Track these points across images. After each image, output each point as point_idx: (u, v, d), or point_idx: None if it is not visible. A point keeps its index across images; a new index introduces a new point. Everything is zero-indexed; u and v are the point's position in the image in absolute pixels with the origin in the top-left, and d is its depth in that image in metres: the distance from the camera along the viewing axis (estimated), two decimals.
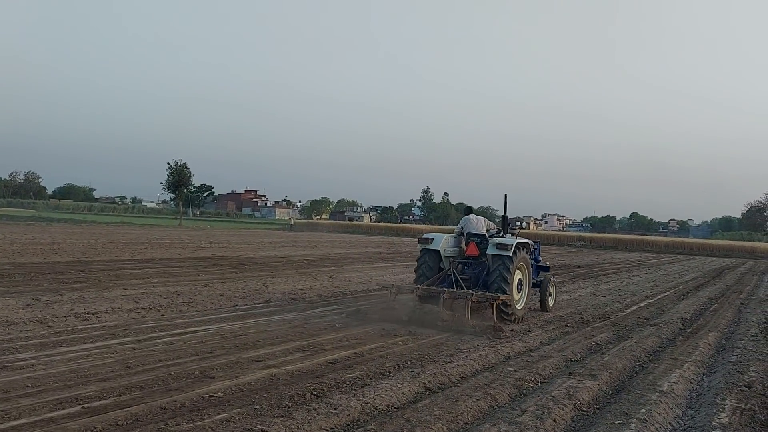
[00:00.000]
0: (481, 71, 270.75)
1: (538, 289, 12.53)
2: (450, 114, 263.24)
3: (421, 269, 11.54)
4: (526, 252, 11.63)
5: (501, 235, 11.75)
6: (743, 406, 6.28)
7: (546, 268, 13.19)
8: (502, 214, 12.62)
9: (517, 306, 10.94)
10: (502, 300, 10.26)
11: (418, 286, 11.04)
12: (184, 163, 68.17)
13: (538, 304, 12.61)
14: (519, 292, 11.20)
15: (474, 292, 10.24)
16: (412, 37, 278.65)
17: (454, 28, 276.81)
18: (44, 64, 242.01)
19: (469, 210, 12.62)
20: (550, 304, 12.67)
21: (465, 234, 11.78)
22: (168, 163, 67.66)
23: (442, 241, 11.58)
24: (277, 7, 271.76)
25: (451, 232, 12.10)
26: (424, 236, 11.87)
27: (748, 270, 33.44)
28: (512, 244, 10.79)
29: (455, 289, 10.54)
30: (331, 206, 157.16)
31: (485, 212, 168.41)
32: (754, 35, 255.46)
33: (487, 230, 11.87)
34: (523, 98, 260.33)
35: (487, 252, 11.00)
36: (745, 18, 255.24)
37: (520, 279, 11.23)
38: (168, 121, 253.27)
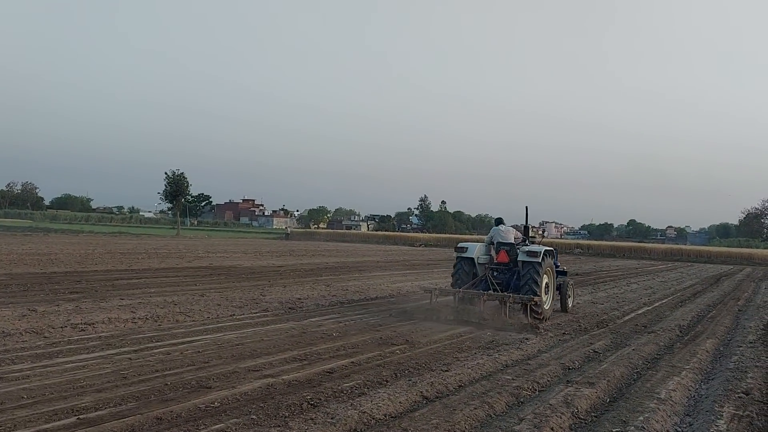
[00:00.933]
0: (478, 80, 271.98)
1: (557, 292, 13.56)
2: (447, 123, 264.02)
3: (458, 274, 12.80)
4: (551, 258, 12.76)
5: (525, 243, 12.87)
6: (741, 413, 6.27)
7: (564, 273, 14.21)
8: (524, 224, 13.81)
9: (545, 306, 12.10)
10: (534, 301, 11.48)
11: (460, 289, 12.31)
12: (182, 173, 68.41)
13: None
14: (546, 294, 12.34)
15: (511, 295, 11.67)
16: (407, 47, 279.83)
17: (449, 38, 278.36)
18: (41, 74, 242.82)
19: (498, 221, 13.66)
20: (570, 305, 13.88)
21: (495, 243, 12.93)
22: (165, 173, 67.97)
23: (476, 249, 12.85)
24: (273, 19, 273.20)
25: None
26: (459, 245, 13.25)
27: (745, 277, 33.46)
28: (541, 252, 12.02)
29: (494, 292, 11.90)
30: (328, 215, 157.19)
31: (482, 220, 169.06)
32: (750, 43, 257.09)
33: (515, 239, 13.03)
34: (520, 107, 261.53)
35: (519, 259, 12.18)
36: (741, 26, 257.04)
37: (546, 282, 12.35)
38: (165, 130, 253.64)
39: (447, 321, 11.39)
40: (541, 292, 11.89)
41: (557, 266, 13.72)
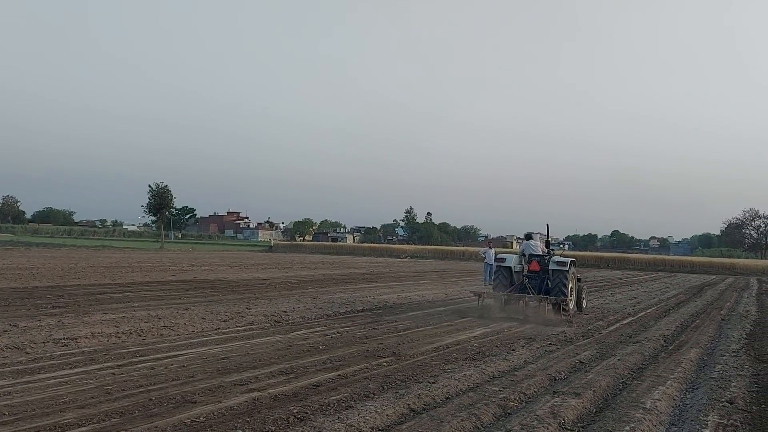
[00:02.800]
0: (460, 93, 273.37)
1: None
2: (432, 135, 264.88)
3: (498, 280, 15.45)
4: (574, 267, 15.27)
5: (550, 255, 15.39)
6: (726, 422, 6.32)
7: (579, 279, 16.21)
8: (546, 239, 16.47)
9: (570, 306, 14.72)
10: (565, 302, 14.31)
11: (503, 292, 15.01)
12: (166, 186, 67.96)
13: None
14: (571, 296, 14.90)
15: (547, 297, 14.38)
16: (392, 60, 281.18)
17: (431, 51, 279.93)
18: (20, 86, 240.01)
19: (528, 236, 16.22)
20: (584, 305, 16.35)
21: (526, 255, 15.43)
22: (149, 186, 67.45)
23: (513, 260, 15.41)
24: (254, 31, 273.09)
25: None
26: (498, 257, 16.16)
27: (728, 286, 33.80)
28: (568, 262, 14.82)
29: (533, 295, 14.57)
30: (314, 227, 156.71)
31: (468, 232, 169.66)
32: (728, 58, 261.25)
33: (542, 251, 15.48)
34: (503, 119, 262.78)
35: (549, 267, 14.79)
36: (719, 39, 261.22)
37: (571, 287, 14.91)
38: (149, 143, 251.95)
39: (497, 319, 13.93)
40: (568, 294, 14.59)
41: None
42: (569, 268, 14.63)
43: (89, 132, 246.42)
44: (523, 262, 15.33)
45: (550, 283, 14.68)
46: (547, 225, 17.26)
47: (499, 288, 15.19)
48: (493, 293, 15.25)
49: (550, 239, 16.55)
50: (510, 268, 15.24)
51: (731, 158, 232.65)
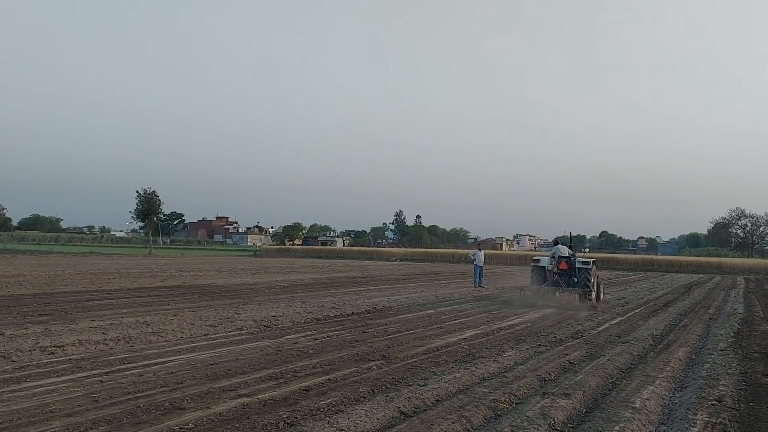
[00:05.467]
0: (448, 92, 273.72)
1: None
2: (419, 136, 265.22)
3: (534, 276, 19.46)
4: (595, 266, 19.19)
5: (575, 256, 19.26)
6: (714, 420, 6.35)
7: (597, 276, 19.74)
8: (569, 244, 20.41)
9: (593, 295, 18.51)
10: (589, 292, 18.20)
11: (540, 286, 18.78)
12: (154, 191, 67.67)
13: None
14: (593, 288, 18.58)
15: (576, 289, 18.20)
16: (379, 59, 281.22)
17: (419, 50, 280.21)
18: (4, 92, 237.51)
19: (556, 241, 20.19)
20: (601, 297, 19.80)
21: (556, 257, 19.05)
22: (137, 192, 67.10)
23: (546, 261, 19.35)
24: (240, 30, 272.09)
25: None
26: (534, 258, 20.72)
27: (715, 285, 34.08)
28: (591, 261, 19.16)
29: (565, 287, 18.38)
30: (303, 231, 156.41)
31: (458, 234, 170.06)
32: (712, 53, 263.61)
33: (569, 253, 19.14)
34: (489, 119, 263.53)
35: (576, 266, 18.74)
36: (701, 36, 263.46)
37: (593, 281, 18.65)
38: (136, 148, 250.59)
39: (538, 307, 17.03)
40: (592, 287, 18.39)
41: None
42: (591, 266, 18.65)
43: (76, 137, 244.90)
44: (553, 263, 18.83)
45: (576, 278, 18.51)
46: (570, 233, 21.66)
47: (536, 283, 19.10)
48: (531, 287, 19.03)
49: (573, 245, 20.75)
50: (544, 267, 19.15)
51: (717, 156, 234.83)
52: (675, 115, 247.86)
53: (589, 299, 18.08)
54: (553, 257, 19.09)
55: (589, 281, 18.32)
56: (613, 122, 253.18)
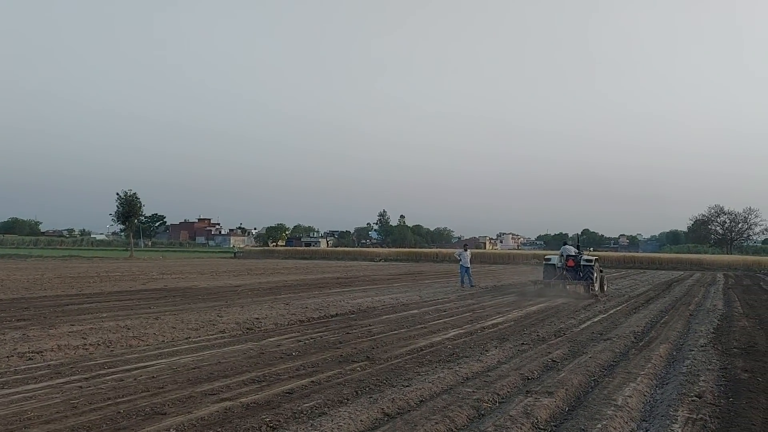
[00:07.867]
0: (431, 92, 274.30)
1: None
2: (402, 136, 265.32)
3: (546, 272, 22.70)
4: (598, 263, 22.70)
5: (581, 254, 22.51)
6: (695, 416, 6.41)
7: (601, 271, 23.24)
8: (576, 244, 24.64)
9: (596, 287, 21.54)
10: (593, 285, 21.36)
11: (551, 280, 22.03)
12: (134, 193, 66.89)
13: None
14: (597, 282, 21.77)
15: (581, 282, 21.46)
16: (364, 57, 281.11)
17: (403, 48, 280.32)
18: None
19: (564, 242, 24.54)
20: (605, 290, 22.88)
21: (564, 255, 22.25)
22: (117, 194, 66.30)
23: (556, 259, 22.57)
24: (221, 29, 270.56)
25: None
26: (546, 257, 24.46)
27: (695, 282, 34.49)
28: (594, 259, 22.72)
29: (572, 281, 21.66)
30: (287, 232, 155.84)
31: (441, 233, 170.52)
32: (691, 51, 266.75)
33: (575, 252, 22.37)
34: (472, 119, 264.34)
35: (581, 263, 21.83)
36: (682, 34, 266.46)
37: (596, 275, 21.78)
38: (117, 149, 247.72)
39: (550, 297, 20.28)
40: (594, 280, 21.51)
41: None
42: (594, 263, 21.97)
43: (54, 139, 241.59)
44: (562, 260, 22.11)
45: (581, 273, 21.60)
46: (578, 234, 27.46)
47: (548, 277, 22.41)
48: (543, 280, 22.51)
49: (580, 245, 25.29)
50: (554, 264, 22.46)
51: (696, 153, 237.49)
52: (653, 113, 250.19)
53: (593, 290, 21.18)
54: (562, 255, 22.37)
55: (592, 275, 21.45)
56: (594, 121, 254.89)
